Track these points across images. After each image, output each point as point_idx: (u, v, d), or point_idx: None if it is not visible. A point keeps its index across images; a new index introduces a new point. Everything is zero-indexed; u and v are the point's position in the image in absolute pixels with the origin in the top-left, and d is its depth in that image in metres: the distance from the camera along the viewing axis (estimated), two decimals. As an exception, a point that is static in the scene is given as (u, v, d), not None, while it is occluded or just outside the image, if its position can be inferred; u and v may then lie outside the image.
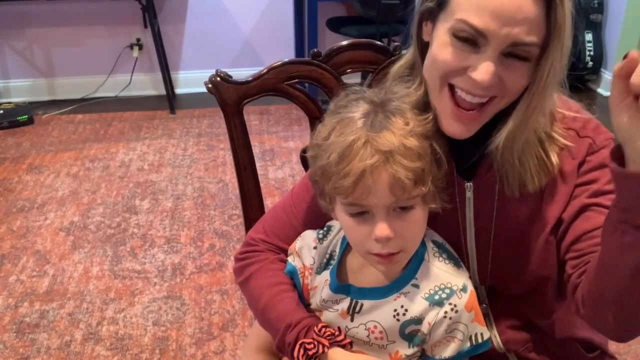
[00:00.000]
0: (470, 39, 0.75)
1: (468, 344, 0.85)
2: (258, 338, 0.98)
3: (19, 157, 3.15)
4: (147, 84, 3.99)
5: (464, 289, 0.85)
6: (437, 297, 0.84)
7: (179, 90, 4.00)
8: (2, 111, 3.57)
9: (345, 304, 0.88)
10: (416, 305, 0.84)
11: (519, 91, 0.78)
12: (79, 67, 3.90)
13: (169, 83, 3.75)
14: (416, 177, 0.76)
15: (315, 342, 0.84)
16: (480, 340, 0.85)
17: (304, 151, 1.14)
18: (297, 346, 0.85)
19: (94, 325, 1.99)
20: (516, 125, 0.79)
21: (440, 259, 0.87)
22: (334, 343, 0.85)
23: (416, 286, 0.85)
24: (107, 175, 2.97)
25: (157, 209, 2.68)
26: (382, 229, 0.77)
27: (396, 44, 1.10)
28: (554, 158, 0.83)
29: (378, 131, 0.76)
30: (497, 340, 0.95)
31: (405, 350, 0.86)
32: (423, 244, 0.87)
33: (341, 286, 0.89)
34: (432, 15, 0.80)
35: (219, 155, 3.18)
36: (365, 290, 0.88)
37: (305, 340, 0.85)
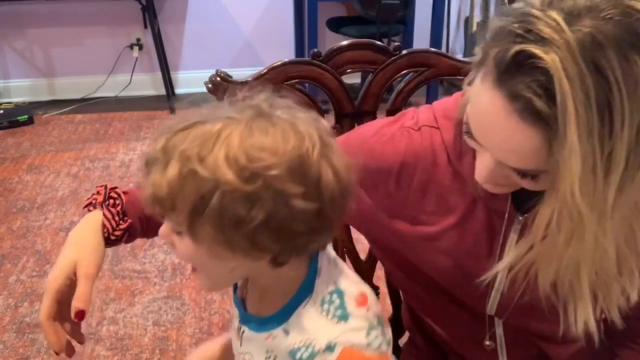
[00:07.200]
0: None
1: None
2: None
3: (19, 157, 3.15)
4: (147, 84, 3.99)
5: (329, 348, 0.65)
6: (298, 355, 0.67)
7: (179, 90, 4.00)
8: (2, 111, 3.57)
9: (236, 322, 0.78)
10: (281, 357, 0.70)
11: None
12: (79, 67, 3.90)
13: (169, 83, 3.76)
14: (155, 198, 0.63)
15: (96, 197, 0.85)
16: None
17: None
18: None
19: (94, 325, 1.98)
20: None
21: (324, 307, 0.68)
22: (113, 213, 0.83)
23: (286, 332, 0.70)
24: (107, 175, 2.97)
25: (157, 209, 2.67)
26: (161, 228, 0.69)
27: (396, 44, 1.09)
28: None
29: (178, 136, 0.66)
30: None
31: None
32: (311, 287, 0.69)
33: (236, 298, 0.79)
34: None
35: (219, 155, 3.17)
36: (247, 315, 0.76)
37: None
